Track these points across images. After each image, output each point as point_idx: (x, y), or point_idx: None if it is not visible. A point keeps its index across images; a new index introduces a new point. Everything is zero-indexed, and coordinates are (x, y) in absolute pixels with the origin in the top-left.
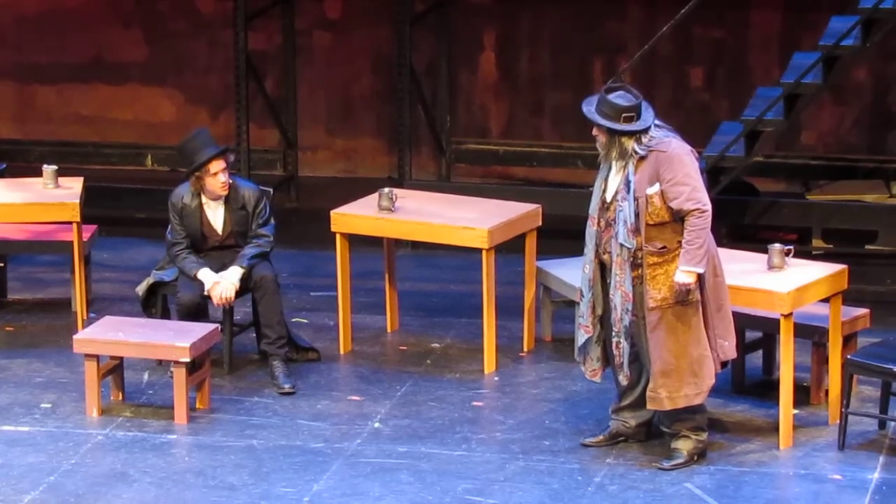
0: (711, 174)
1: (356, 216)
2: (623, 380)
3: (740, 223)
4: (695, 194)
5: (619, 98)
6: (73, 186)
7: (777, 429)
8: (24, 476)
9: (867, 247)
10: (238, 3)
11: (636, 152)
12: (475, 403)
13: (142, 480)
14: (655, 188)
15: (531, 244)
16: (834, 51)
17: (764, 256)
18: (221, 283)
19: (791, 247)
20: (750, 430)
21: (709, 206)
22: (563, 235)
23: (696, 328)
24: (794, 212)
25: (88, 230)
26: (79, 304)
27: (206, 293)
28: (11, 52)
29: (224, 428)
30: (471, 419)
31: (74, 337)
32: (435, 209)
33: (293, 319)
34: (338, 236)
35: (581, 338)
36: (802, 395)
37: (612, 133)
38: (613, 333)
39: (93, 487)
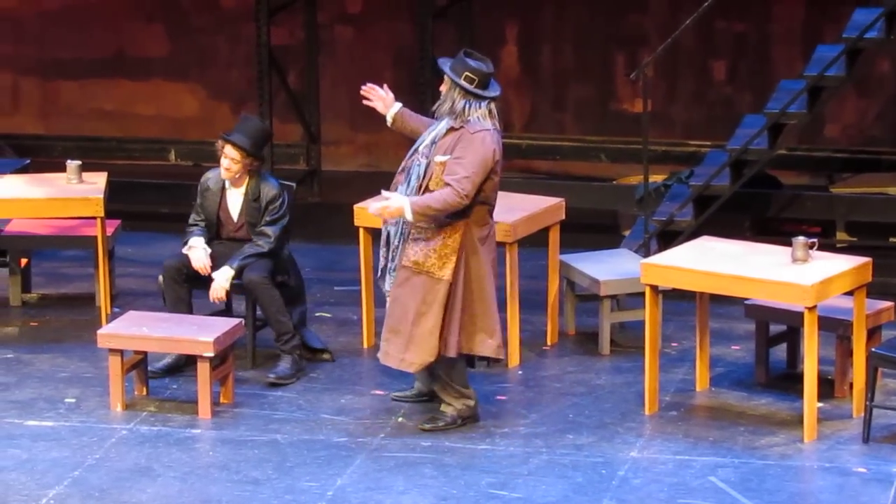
0: (735, 167)
1: None
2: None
3: (764, 216)
4: (464, 182)
5: (472, 61)
6: (97, 181)
7: (801, 422)
8: (48, 471)
9: (891, 239)
10: None
11: (462, 112)
12: (499, 397)
13: (166, 475)
14: (444, 158)
15: (554, 238)
16: (857, 43)
17: (788, 249)
18: (213, 285)
19: (815, 240)
20: (774, 423)
21: (467, 200)
22: (586, 229)
23: (436, 304)
24: (818, 205)
25: (112, 225)
26: (102, 299)
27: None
28: (34, 48)
29: (248, 422)
30: (494, 413)
31: (98, 332)
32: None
33: (316, 314)
34: (361, 230)
35: (379, 265)
36: (827, 388)
37: (451, 86)
38: (391, 275)
39: (117, 482)
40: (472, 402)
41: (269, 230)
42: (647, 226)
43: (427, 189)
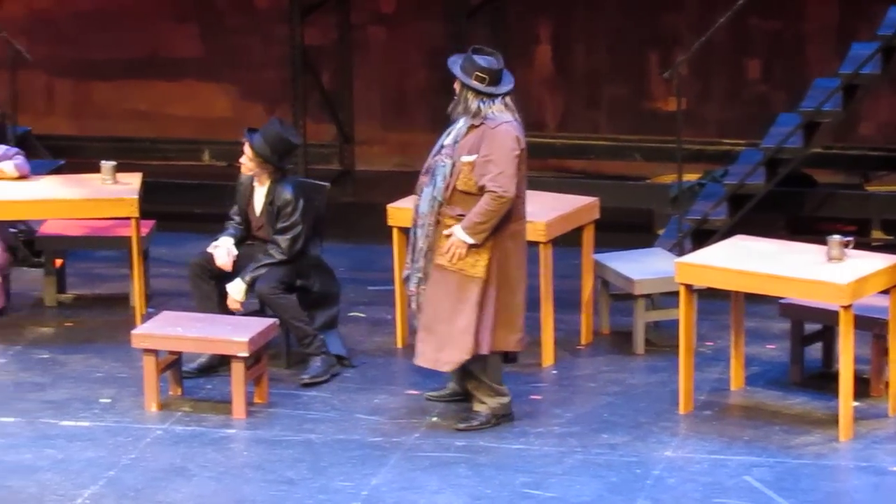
0: (770, 166)
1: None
2: (416, 322)
3: (799, 215)
4: (501, 178)
5: (481, 59)
6: (131, 182)
7: (837, 421)
8: (83, 471)
9: None
10: None
11: (477, 111)
12: (533, 397)
13: (200, 475)
14: (471, 158)
15: (588, 237)
16: (892, 41)
17: (823, 248)
18: (228, 298)
19: (850, 238)
20: (809, 422)
21: (509, 194)
22: (620, 228)
23: (469, 303)
24: (853, 203)
25: (146, 225)
26: (137, 300)
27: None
28: (68, 49)
29: (282, 422)
30: (529, 412)
31: (133, 332)
32: None
33: (349, 314)
34: (394, 230)
35: (404, 272)
36: (862, 386)
37: (462, 87)
38: (415, 277)
39: (152, 482)
40: (506, 401)
41: (281, 239)
42: (681, 225)
43: (454, 189)
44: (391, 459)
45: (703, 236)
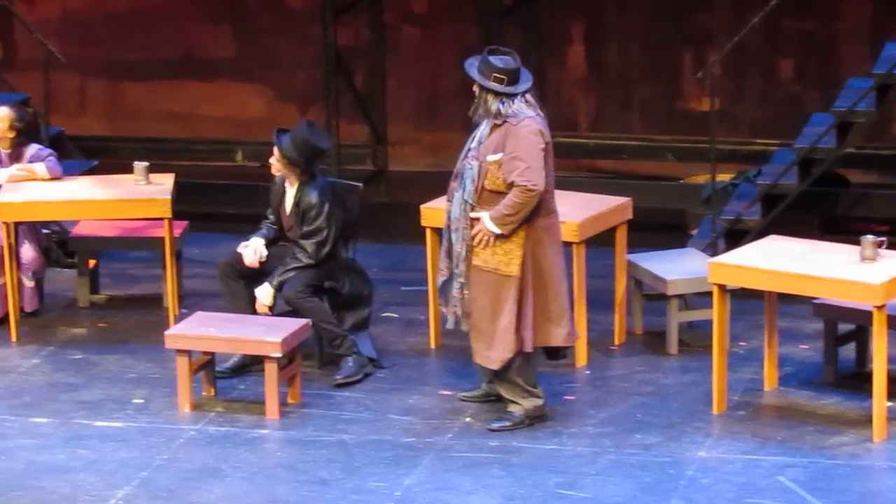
0: (803, 166)
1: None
2: (465, 327)
3: (832, 215)
4: (528, 172)
5: (498, 60)
6: (164, 183)
7: (870, 421)
8: (116, 471)
9: None
10: None
11: (497, 112)
12: (566, 397)
13: (233, 475)
14: (497, 157)
15: (621, 237)
16: None
17: (856, 248)
18: (257, 302)
19: (884, 238)
20: (843, 422)
21: (538, 188)
22: (653, 228)
23: (508, 301)
24: (887, 203)
25: (179, 226)
26: (170, 300)
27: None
28: (101, 50)
29: (315, 423)
30: (562, 413)
31: (166, 332)
32: None
33: (383, 314)
34: (427, 230)
35: (439, 280)
36: None
37: (481, 89)
38: (457, 282)
39: (185, 482)
40: (540, 402)
41: (307, 244)
42: (714, 225)
43: (483, 189)
44: (424, 460)
45: (736, 236)
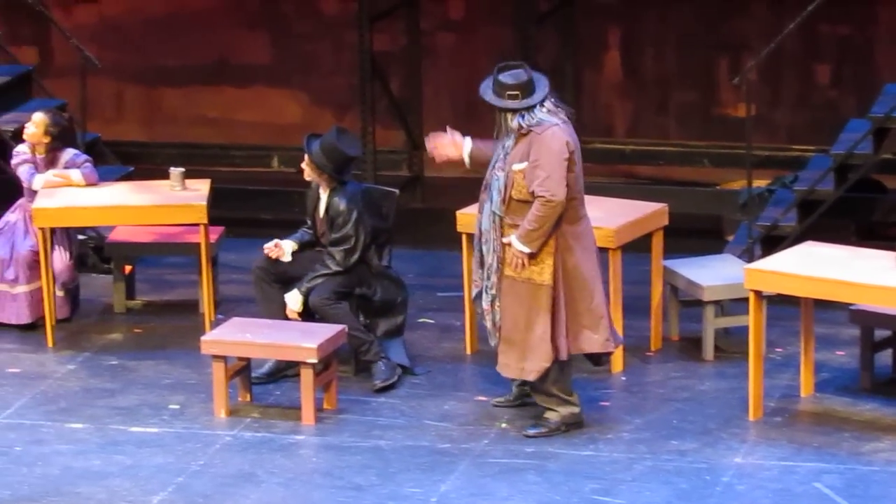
0: (839, 172)
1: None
2: (493, 341)
3: (869, 221)
4: (548, 182)
5: (508, 77)
6: (200, 188)
7: None
8: (152, 477)
9: None
10: (362, 4)
11: (518, 126)
12: (602, 403)
13: (269, 481)
14: (522, 165)
15: (658, 243)
16: None
17: (892, 254)
18: (287, 308)
19: None
20: (879, 428)
21: (557, 198)
22: (689, 234)
23: (542, 310)
24: None
25: (215, 232)
26: (206, 306)
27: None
28: (138, 56)
29: (351, 428)
30: (598, 419)
31: (202, 338)
32: None
33: (419, 320)
34: (463, 236)
35: (474, 290)
36: None
37: (498, 110)
38: (489, 294)
39: (221, 488)
40: (576, 409)
41: (335, 251)
42: (750, 231)
43: (511, 199)
44: (460, 466)
45: (772, 242)
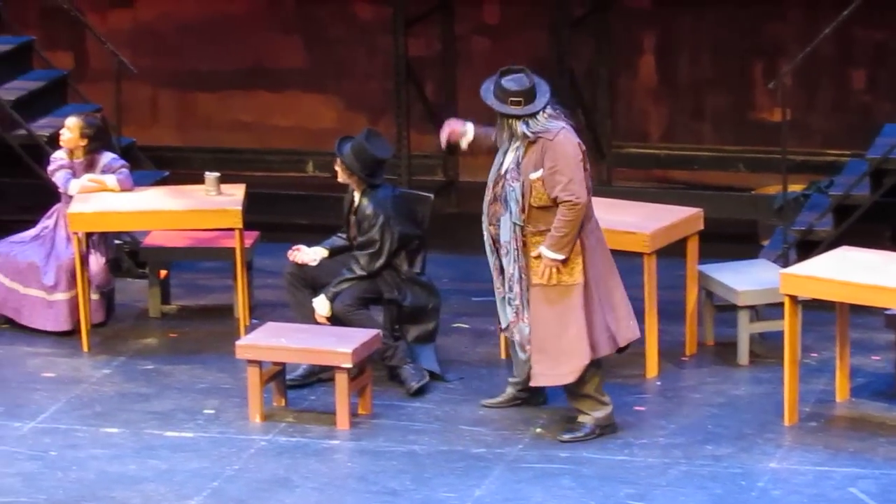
0: (875, 177)
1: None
2: (522, 354)
3: None
4: (571, 186)
5: (511, 82)
6: (235, 193)
7: None
8: (187, 481)
9: None
10: (397, 9)
11: (524, 135)
12: (637, 408)
13: (304, 486)
14: (538, 174)
15: (693, 248)
16: None
17: None
18: (315, 314)
19: None
20: None
21: (582, 200)
22: (724, 239)
23: (574, 309)
24: None
25: (250, 237)
26: (241, 310)
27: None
28: (173, 60)
29: (386, 433)
30: (633, 423)
31: (237, 343)
32: (595, 213)
33: (453, 325)
34: None
35: (496, 298)
36: None
37: (500, 115)
38: (513, 306)
39: (255, 493)
40: (609, 410)
41: (360, 255)
42: (785, 236)
43: (531, 207)
44: (495, 471)
45: (808, 247)
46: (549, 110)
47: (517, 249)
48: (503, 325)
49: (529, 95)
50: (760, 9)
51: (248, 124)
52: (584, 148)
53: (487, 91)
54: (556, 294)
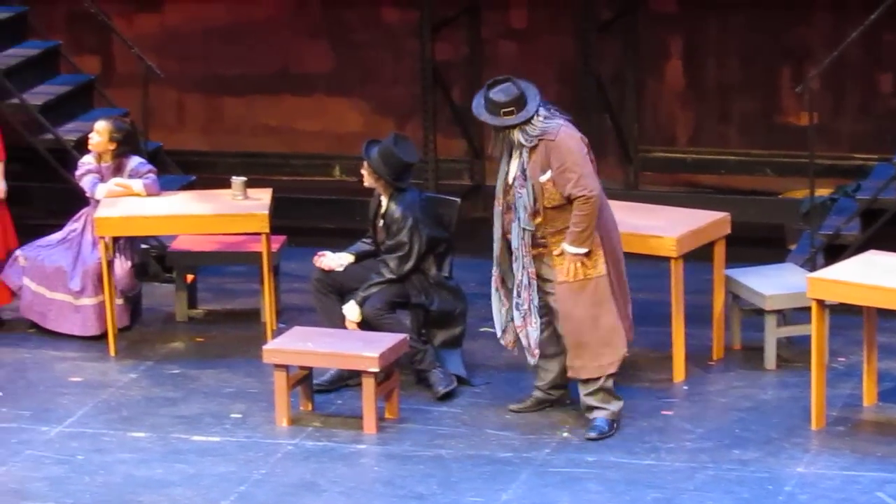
0: None
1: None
2: (531, 359)
3: None
4: (582, 181)
5: (499, 93)
6: (262, 197)
7: None
8: (214, 486)
9: None
10: (424, 13)
11: (522, 143)
12: (664, 412)
13: (331, 490)
14: (547, 175)
15: (720, 252)
16: None
17: None
18: (345, 320)
19: None
20: None
21: (595, 192)
22: (751, 243)
23: (605, 300)
24: None
25: (277, 241)
26: (268, 315)
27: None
28: (200, 65)
29: (412, 437)
30: (659, 428)
31: (264, 347)
32: (622, 218)
33: (480, 329)
34: None
35: (493, 306)
36: None
37: (496, 128)
38: (520, 311)
39: (282, 497)
40: (622, 403)
41: (389, 259)
42: (813, 240)
43: (545, 209)
44: (522, 475)
45: (835, 251)
46: (542, 112)
47: (525, 256)
48: (498, 333)
49: (520, 102)
50: (788, 13)
51: (274, 128)
52: (586, 140)
53: (479, 107)
54: (584, 289)
